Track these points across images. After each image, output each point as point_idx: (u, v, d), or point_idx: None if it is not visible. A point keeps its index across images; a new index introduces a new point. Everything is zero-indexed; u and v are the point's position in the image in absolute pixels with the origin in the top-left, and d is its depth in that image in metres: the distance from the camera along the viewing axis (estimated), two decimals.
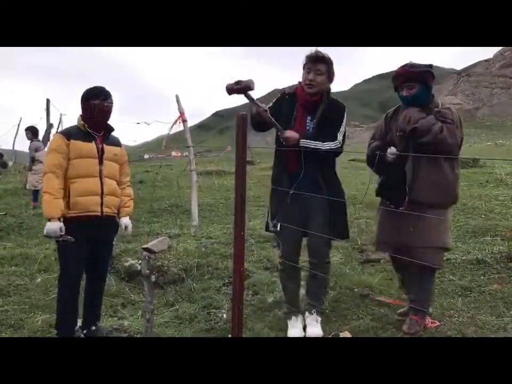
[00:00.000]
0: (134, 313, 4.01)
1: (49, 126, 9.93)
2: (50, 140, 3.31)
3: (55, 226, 3.03)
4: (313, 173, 3.30)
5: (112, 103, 3.24)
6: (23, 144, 10.12)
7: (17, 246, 6.07)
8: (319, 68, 3.27)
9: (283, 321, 3.64)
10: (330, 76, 3.34)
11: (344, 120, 3.37)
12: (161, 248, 3.55)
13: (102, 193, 3.21)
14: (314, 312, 3.48)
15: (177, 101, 6.26)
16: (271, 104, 3.41)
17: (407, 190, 3.30)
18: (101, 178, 3.22)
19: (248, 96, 2.59)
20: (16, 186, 11.60)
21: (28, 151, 9.30)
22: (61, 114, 10.11)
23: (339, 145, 3.30)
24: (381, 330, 3.43)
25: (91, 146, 3.20)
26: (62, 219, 3.07)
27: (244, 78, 2.56)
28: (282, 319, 3.68)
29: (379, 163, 3.42)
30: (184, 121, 6.23)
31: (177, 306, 4.06)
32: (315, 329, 3.40)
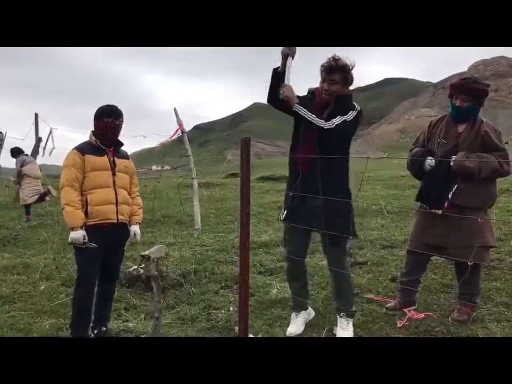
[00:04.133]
0: (137, 316, 4.20)
1: (38, 139, 10.09)
2: (67, 155, 3.50)
3: (78, 234, 3.29)
4: (316, 177, 3.37)
5: (122, 121, 3.50)
6: (7, 160, 10.24)
7: (15, 256, 6.22)
8: (333, 77, 3.30)
9: (280, 319, 3.91)
10: (346, 82, 3.37)
11: (348, 114, 3.31)
12: (159, 255, 3.79)
13: (117, 202, 3.47)
14: (343, 315, 3.52)
15: (176, 113, 6.60)
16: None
17: (448, 195, 3.56)
18: (115, 188, 3.47)
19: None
20: (5, 200, 11.68)
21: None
22: (51, 128, 10.28)
23: (331, 126, 3.25)
24: (371, 324, 3.72)
25: (104, 160, 3.45)
26: (83, 227, 3.32)
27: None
28: (279, 317, 3.96)
29: (418, 170, 3.70)
30: (184, 132, 6.56)
31: (178, 309, 4.27)
32: (344, 332, 3.47)
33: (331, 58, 3.30)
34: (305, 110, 3.28)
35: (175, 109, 6.61)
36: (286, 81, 3.30)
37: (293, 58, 3.30)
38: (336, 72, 3.30)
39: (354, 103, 3.44)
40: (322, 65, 3.35)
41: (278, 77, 3.33)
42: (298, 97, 3.44)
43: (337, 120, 3.28)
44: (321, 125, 3.25)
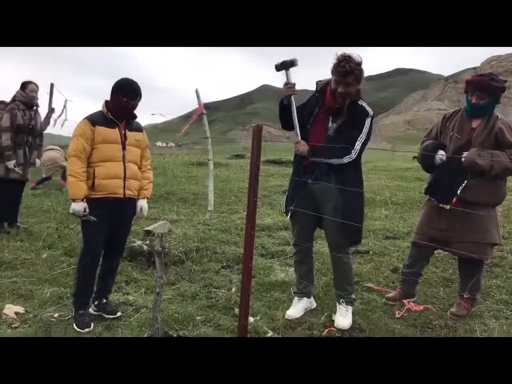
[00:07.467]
0: (137, 290, 4.24)
1: (51, 110, 9.95)
2: (77, 124, 3.45)
3: (79, 206, 3.27)
4: (329, 172, 3.36)
5: (139, 100, 3.39)
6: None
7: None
8: (348, 80, 3.23)
9: (279, 301, 3.93)
10: (359, 82, 3.29)
11: (365, 127, 3.31)
12: (162, 231, 3.79)
13: (125, 176, 3.41)
14: (342, 302, 3.56)
15: (197, 95, 6.62)
16: (305, 100, 3.52)
17: (457, 191, 3.55)
18: (123, 162, 3.40)
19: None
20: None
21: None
22: (66, 100, 10.10)
23: (353, 157, 3.27)
24: (370, 313, 3.74)
25: (115, 133, 3.37)
26: (85, 200, 3.30)
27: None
28: (278, 300, 3.98)
29: (429, 163, 3.67)
30: (203, 113, 6.57)
31: (179, 285, 4.30)
32: (343, 319, 3.49)
33: (343, 60, 3.20)
34: (319, 158, 3.31)
35: (196, 90, 6.63)
36: (294, 120, 3.38)
37: (295, 94, 3.36)
38: (351, 75, 3.23)
39: (364, 105, 3.37)
40: (334, 67, 3.25)
41: (285, 109, 3.41)
42: (304, 104, 3.51)
43: (358, 146, 3.29)
44: (339, 163, 3.29)
